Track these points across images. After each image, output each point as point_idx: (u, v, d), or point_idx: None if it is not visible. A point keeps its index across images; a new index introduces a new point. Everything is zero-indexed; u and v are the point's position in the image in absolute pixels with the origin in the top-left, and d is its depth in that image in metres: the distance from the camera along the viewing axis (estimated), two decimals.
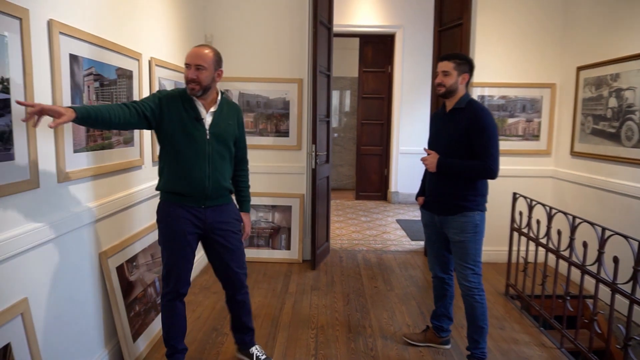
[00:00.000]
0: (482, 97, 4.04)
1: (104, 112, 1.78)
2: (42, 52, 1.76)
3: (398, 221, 5.83)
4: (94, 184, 2.17)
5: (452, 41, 3.89)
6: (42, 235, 1.75)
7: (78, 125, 1.94)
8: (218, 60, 2.12)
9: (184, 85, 2.12)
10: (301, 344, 2.68)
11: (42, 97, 1.76)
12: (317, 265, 4.01)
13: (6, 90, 1.56)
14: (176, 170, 2.10)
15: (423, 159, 2.41)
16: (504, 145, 4.07)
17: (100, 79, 2.20)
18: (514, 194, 3.31)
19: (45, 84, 1.78)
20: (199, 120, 2.10)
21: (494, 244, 4.14)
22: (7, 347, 1.56)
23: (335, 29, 4.60)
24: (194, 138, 2.08)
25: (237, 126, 2.27)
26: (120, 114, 1.86)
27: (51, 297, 1.84)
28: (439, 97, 2.41)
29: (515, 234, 3.31)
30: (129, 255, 2.48)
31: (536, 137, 4.09)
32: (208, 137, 2.11)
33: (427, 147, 2.49)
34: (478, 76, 4.00)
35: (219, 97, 2.19)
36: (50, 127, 1.53)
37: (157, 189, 2.19)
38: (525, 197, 3.17)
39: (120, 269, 2.36)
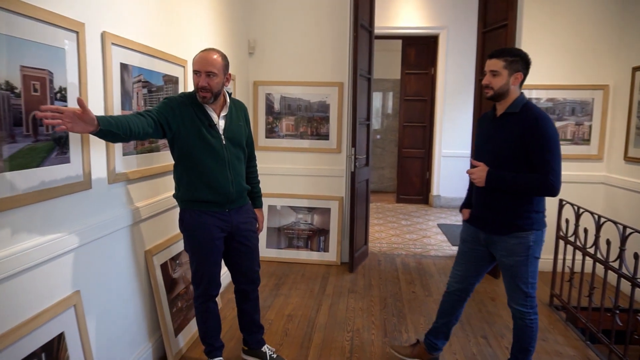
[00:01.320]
0: (530, 99, 3.90)
1: (124, 122, 1.72)
2: (96, 62, 1.88)
3: (439, 225, 5.73)
4: (141, 185, 2.30)
5: (496, 42, 3.79)
6: (93, 234, 1.87)
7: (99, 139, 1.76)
8: (227, 64, 2.10)
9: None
10: (336, 345, 2.70)
11: (95, 104, 1.88)
12: (355, 268, 4.02)
13: (64, 98, 1.69)
14: (199, 179, 2.10)
15: (470, 172, 2.12)
16: None
17: (148, 85, 2.32)
18: (560, 200, 3.18)
19: (98, 92, 1.91)
20: (213, 126, 2.10)
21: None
22: (61, 336, 1.69)
23: (377, 31, 4.60)
24: (211, 145, 2.08)
25: (246, 125, 2.29)
26: (139, 123, 1.82)
27: (100, 291, 1.97)
28: (487, 100, 2.10)
29: (561, 243, 3.18)
30: (173, 253, 2.60)
31: (586, 141, 3.90)
32: (224, 142, 2.13)
33: (473, 156, 2.23)
34: None
35: (228, 100, 2.19)
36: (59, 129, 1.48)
37: (175, 197, 2.21)
38: (572, 204, 3.04)
39: (164, 267, 2.48)
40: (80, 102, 1.49)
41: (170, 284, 2.52)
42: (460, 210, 2.40)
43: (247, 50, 4.10)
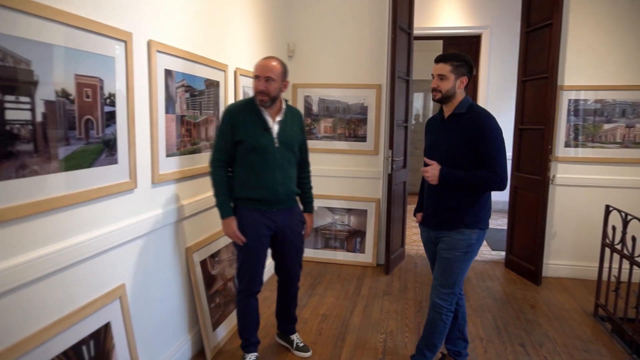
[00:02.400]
0: (576, 101, 3.77)
1: (227, 191, 2.26)
2: (142, 69, 2.00)
3: None
4: (182, 185, 2.41)
5: (540, 42, 3.68)
6: (138, 230, 1.99)
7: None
8: (285, 72, 2.26)
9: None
10: (369, 347, 2.72)
11: (141, 108, 2.00)
12: (390, 270, 4.01)
13: (112, 103, 1.81)
14: (250, 179, 2.25)
15: (423, 170, 2.18)
16: (598, 152, 3.78)
17: (190, 90, 2.43)
18: (607, 206, 3.06)
19: (144, 97, 2.02)
20: (267, 129, 2.24)
21: (583, 260, 3.87)
22: (107, 325, 1.81)
23: (417, 32, 4.57)
24: (264, 148, 2.22)
25: (300, 131, 2.41)
26: (227, 178, 2.28)
27: (144, 285, 2.09)
28: (434, 101, 2.23)
29: (607, 250, 3.05)
30: (212, 251, 2.70)
31: (638, 144, 3.71)
32: (277, 145, 2.26)
33: (425, 157, 2.26)
34: (570, 79, 3.75)
35: (284, 106, 2.32)
36: None
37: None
38: (619, 211, 2.91)
39: (203, 263, 2.59)
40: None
41: (209, 280, 2.63)
42: (415, 215, 2.48)
43: (286, 53, 4.19)
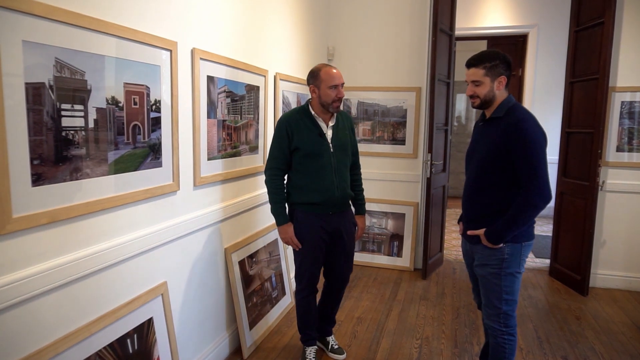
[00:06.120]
0: (631, 103, 3.58)
1: (283, 199, 2.33)
2: (186, 76, 2.08)
3: None
4: (223, 188, 2.49)
5: (590, 42, 3.52)
6: (180, 231, 2.08)
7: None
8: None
9: (304, 95, 2.47)
10: (404, 352, 2.70)
11: (184, 113, 2.09)
12: (428, 275, 3.96)
13: (158, 109, 1.90)
14: (307, 183, 2.31)
15: (484, 243, 1.97)
16: None
17: (231, 95, 2.51)
18: None
19: (187, 103, 2.11)
20: (322, 135, 2.31)
21: (635, 270, 3.69)
22: (150, 321, 1.90)
23: (460, 32, 4.49)
24: (320, 153, 2.29)
25: (351, 133, 2.46)
26: (282, 185, 2.34)
27: (184, 283, 2.18)
28: (473, 108, 2.07)
29: None
30: (250, 251, 2.77)
31: None
32: (332, 150, 2.32)
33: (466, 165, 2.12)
34: (624, 80, 3.57)
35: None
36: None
37: (287, 200, 2.40)
38: None
39: (241, 264, 2.66)
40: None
41: (247, 280, 2.70)
42: (458, 223, 2.29)
43: (326, 56, 4.22)
